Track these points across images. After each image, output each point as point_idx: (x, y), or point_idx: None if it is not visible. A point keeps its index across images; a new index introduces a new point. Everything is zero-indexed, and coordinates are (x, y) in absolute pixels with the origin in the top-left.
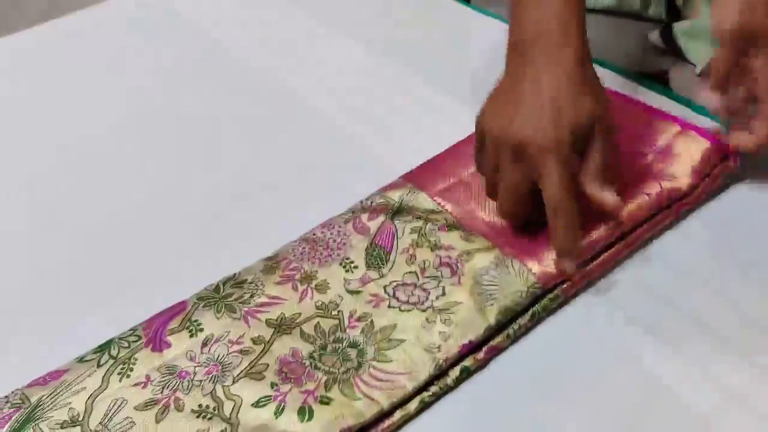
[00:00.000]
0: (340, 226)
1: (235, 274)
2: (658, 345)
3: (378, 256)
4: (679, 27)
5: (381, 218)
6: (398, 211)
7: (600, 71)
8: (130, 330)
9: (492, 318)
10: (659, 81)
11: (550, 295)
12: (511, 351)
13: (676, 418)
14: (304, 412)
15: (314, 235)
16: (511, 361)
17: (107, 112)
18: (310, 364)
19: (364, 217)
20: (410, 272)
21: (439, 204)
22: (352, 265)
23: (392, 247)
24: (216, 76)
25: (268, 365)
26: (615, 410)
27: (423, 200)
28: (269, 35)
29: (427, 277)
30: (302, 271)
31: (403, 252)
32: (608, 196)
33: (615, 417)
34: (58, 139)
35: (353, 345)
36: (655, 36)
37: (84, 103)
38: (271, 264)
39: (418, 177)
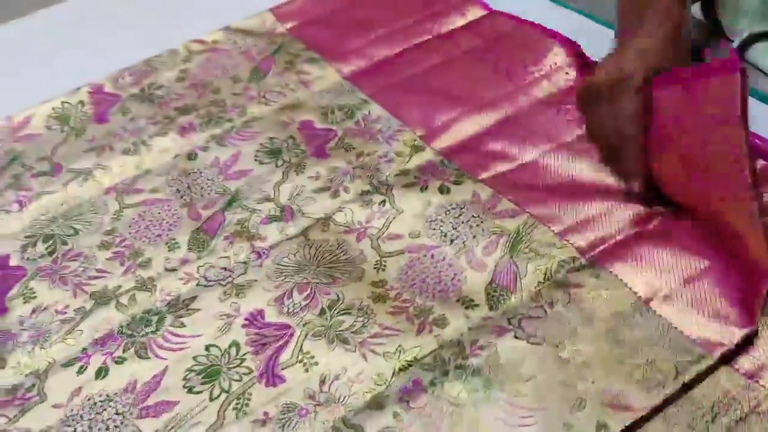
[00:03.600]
0: (451, 259)
1: (338, 296)
2: None
3: (501, 296)
4: (721, 0)
5: (498, 253)
6: (515, 244)
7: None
8: (237, 359)
9: (663, 392)
10: (695, 55)
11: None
12: None
13: None
14: None
15: (419, 259)
16: None
17: None
18: (432, 392)
19: (478, 250)
20: (537, 306)
21: (566, 240)
22: (473, 303)
23: (516, 287)
24: None
25: (388, 396)
26: None
27: (543, 235)
28: None
29: (556, 311)
30: (415, 304)
31: (528, 291)
32: None
33: None
34: None
35: (477, 373)
36: (695, 8)
37: None
38: (379, 292)
39: (534, 206)
